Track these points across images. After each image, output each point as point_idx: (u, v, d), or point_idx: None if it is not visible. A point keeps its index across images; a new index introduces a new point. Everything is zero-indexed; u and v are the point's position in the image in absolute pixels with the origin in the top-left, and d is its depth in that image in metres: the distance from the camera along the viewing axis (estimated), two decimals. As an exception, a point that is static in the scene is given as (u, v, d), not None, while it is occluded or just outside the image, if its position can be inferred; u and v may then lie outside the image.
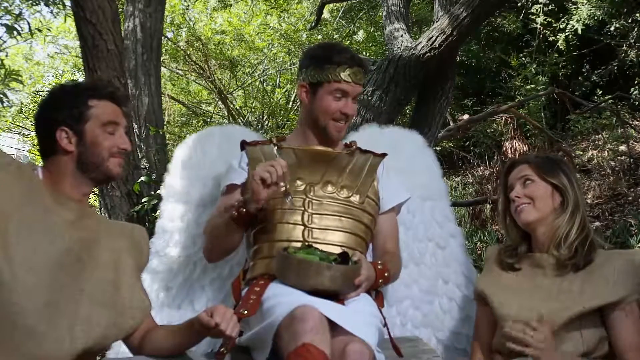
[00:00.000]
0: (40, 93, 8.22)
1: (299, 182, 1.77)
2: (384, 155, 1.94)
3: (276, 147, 1.85)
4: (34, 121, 1.49)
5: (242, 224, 1.68)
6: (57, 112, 1.40)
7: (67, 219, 1.36)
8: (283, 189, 1.61)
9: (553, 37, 7.01)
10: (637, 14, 6.49)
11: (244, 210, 1.63)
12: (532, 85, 6.92)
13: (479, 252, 4.77)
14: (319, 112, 1.82)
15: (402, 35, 3.96)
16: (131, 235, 1.52)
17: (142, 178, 2.78)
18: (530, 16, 7.10)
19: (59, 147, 1.39)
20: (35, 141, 1.53)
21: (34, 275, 1.25)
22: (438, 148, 6.74)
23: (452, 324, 2.00)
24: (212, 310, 1.35)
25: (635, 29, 6.62)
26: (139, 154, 2.84)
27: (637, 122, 6.73)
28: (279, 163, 1.59)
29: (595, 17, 6.54)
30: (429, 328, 1.97)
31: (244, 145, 1.91)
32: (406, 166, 2.07)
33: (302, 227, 1.71)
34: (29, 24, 3.88)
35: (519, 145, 6.43)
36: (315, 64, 1.81)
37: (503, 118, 6.54)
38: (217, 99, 8.16)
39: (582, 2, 6.57)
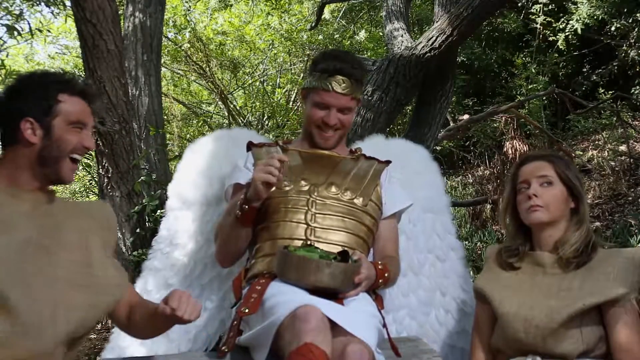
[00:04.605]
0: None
1: (303, 183, 1.80)
2: (388, 162, 1.95)
3: (281, 149, 1.89)
4: None
5: (247, 221, 1.71)
6: (24, 102, 1.35)
7: (22, 210, 1.32)
8: (284, 184, 1.67)
9: (553, 37, 7.01)
10: (637, 14, 6.49)
11: (247, 207, 1.66)
12: (533, 85, 6.92)
13: (479, 252, 4.77)
14: (306, 119, 1.87)
15: (402, 35, 3.96)
16: (96, 214, 1.49)
17: (142, 178, 2.78)
18: (530, 16, 7.10)
19: (21, 138, 1.34)
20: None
21: None
22: (438, 148, 6.74)
23: (447, 336, 2.00)
24: (168, 296, 1.32)
25: (636, 29, 6.62)
26: (139, 154, 2.83)
27: (637, 122, 6.73)
28: (277, 158, 1.61)
29: (595, 17, 6.54)
30: (424, 339, 1.97)
31: (250, 146, 1.94)
32: (410, 179, 2.08)
33: (305, 226, 1.73)
34: (29, 24, 3.87)
35: (519, 145, 6.41)
36: (310, 70, 1.86)
37: (503, 118, 6.53)
38: (218, 99, 8.16)
39: (582, 2, 6.57)
